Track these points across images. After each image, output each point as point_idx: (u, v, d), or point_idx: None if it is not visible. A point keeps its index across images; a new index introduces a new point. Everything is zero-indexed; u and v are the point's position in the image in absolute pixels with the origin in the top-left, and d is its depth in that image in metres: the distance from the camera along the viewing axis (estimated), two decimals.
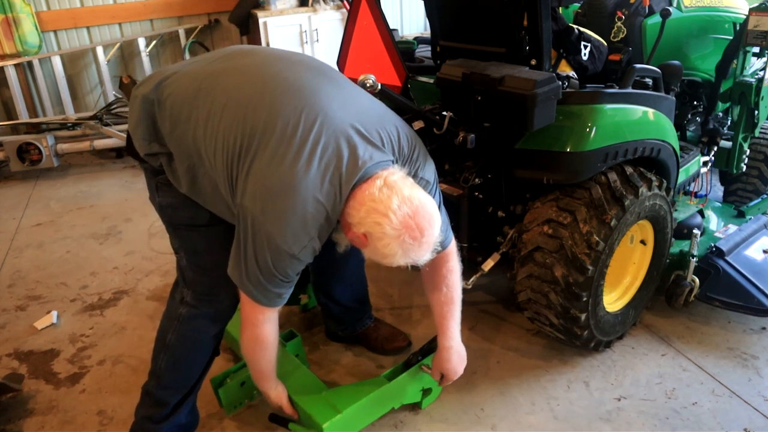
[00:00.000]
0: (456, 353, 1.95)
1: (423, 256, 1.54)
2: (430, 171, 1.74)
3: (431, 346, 2.02)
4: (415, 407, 2.11)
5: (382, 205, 1.46)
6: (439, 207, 1.65)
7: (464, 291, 2.25)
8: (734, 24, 2.94)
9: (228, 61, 1.68)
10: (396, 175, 1.53)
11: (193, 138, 1.57)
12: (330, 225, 1.55)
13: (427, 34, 2.75)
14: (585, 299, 2.05)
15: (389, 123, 1.64)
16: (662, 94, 2.31)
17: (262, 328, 1.67)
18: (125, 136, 1.76)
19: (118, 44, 4.98)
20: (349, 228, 1.55)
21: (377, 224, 1.47)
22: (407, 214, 1.46)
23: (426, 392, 2.09)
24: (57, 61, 4.73)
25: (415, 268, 1.71)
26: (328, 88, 1.60)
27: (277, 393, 1.90)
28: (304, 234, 1.50)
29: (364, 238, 1.52)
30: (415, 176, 1.65)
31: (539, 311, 2.17)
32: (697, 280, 2.39)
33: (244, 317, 1.68)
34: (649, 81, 2.30)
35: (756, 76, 2.76)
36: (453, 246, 1.85)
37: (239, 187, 1.50)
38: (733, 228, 2.69)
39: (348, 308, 2.35)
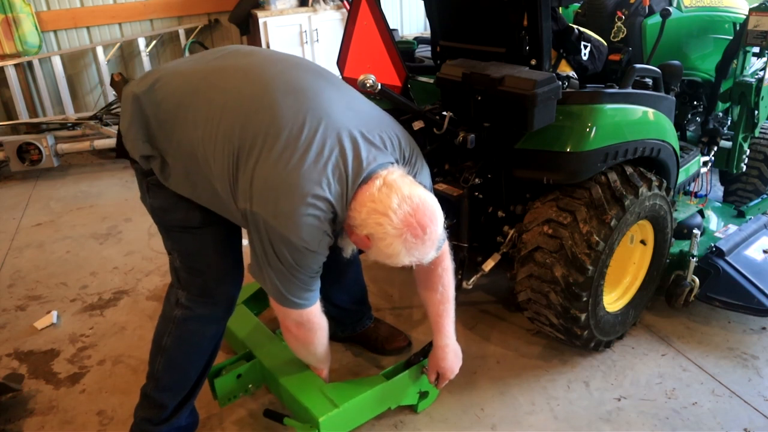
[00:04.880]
0: (452, 351, 1.96)
1: (427, 253, 1.54)
2: (426, 176, 1.76)
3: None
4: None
5: (382, 205, 1.46)
6: None
7: (464, 291, 2.26)
8: (734, 24, 2.94)
9: (226, 60, 1.66)
10: (395, 174, 1.53)
11: (189, 140, 1.55)
12: (338, 225, 1.56)
13: (427, 34, 2.75)
14: (585, 299, 2.05)
15: (389, 127, 1.65)
16: (662, 94, 2.31)
17: (302, 329, 1.73)
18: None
19: (118, 44, 4.97)
20: (352, 231, 1.56)
21: (378, 224, 1.47)
22: (408, 212, 1.46)
23: (423, 395, 2.07)
24: (57, 61, 4.72)
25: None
26: (329, 91, 1.60)
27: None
28: (318, 232, 1.50)
29: (366, 239, 1.52)
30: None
31: (539, 311, 2.17)
32: (697, 280, 2.39)
33: (283, 328, 1.76)
34: (649, 81, 2.30)
35: (756, 76, 2.76)
36: (446, 245, 1.85)
37: (243, 192, 1.49)
38: (733, 228, 2.69)
39: (346, 310, 2.34)
